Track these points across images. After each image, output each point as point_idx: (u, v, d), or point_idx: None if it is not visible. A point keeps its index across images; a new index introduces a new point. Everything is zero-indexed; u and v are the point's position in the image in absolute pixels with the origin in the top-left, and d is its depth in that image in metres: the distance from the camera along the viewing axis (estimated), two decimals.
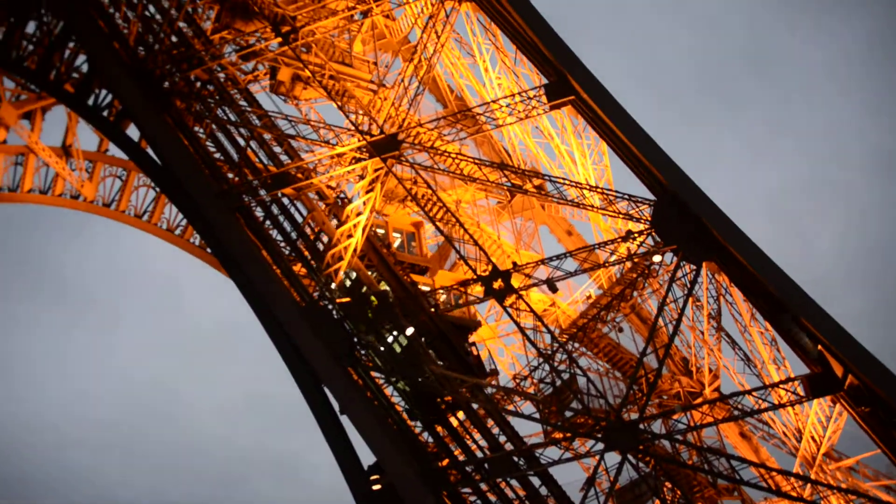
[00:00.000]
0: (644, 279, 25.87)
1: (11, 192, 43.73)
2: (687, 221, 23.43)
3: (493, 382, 25.39)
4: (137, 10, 29.77)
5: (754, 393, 23.20)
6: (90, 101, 29.63)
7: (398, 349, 24.58)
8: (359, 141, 25.47)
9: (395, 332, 24.52)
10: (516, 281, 24.16)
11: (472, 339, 26.39)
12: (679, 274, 23.59)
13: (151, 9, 30.23)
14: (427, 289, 26.47)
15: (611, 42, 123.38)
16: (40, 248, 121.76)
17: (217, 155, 27.94)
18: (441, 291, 26.79)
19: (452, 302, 26.82)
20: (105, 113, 29.99)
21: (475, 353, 25.90)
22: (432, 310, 25.43)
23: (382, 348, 24.37)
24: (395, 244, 28.06)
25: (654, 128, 24.69)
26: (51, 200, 43.83)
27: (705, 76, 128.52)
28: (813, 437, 27.77)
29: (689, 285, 23.49)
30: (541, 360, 23.72)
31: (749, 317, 26.59)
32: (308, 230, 27.41)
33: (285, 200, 27.71)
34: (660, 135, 24.51)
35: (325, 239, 27.31)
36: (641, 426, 22.03)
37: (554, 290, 24.78)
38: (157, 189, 40.39)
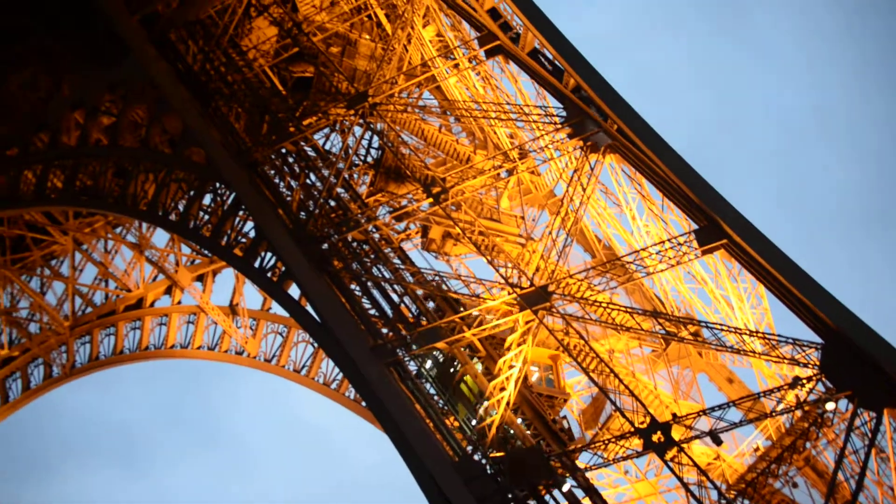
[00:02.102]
0: (817, 429, 24.07)
1: (184, 349, 46.93)
2: (861, 364, 21.89)
3: None
4: (300, 180, 32.16)
5: None
6: (256, 264, 31.62)
7: None
8: (509, 294, 25.78)
9: (550, 487, 23.75)
10: (677, 433, 23.06)
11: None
12: (857, 422, 21.81)
13: (312, 177, 32.63)
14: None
15: (754, 176, 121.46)
16: (199, 397, 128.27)
17: (372, 311, 28.95)
18: (533, 370, 26.40)
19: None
20: (269, 274, 31.90)
21: (566, 425, 25.77)
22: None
23: None
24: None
25: (809, 261, 23.79)
26: (218, 356, 46.63)
27: (855, 201, 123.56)
28: None
29: (869, 435, 21.63)
30: None
31: None
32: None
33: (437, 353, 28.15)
34: (817, 268, 23.53)
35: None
36: None
37: (718, 442, 23.43)
38: (315, 345, 42.06)
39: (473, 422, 26.18)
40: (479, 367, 27.43)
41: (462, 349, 27.23)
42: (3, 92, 38.04)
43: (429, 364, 26.98)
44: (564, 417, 26.89)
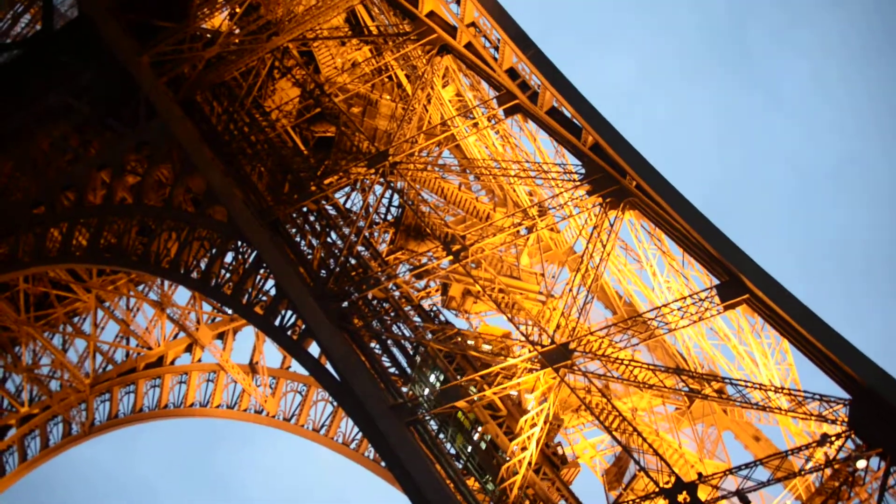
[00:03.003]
0: (849, 488, 23.43)
1: (203, 407, 46.84)
2: (891, 420, 21.43)
3: None
4: (321, 238, 32.40)
5: None
6: (276, 322, 31.70)
7: None
8: (530, 352, 25.61)
9: None
10: (703, 493, 22.57)
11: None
12: (890, 482, 21.27)
13: (333, 235, 32.86)
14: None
15: (777, 230, 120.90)
16: (214, 454, 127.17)
17: (392, 369, 28.81)
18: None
19: None
20: (289, 332, 31.92)
21: (560, 450, 25.98)
22: None
23: None
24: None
25: (835, 315, 23.52)
26: (237, 415, 46.46)
27: (882, 254, 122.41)
28: None
29: None
30: None
31: None
32: (481, 444, 27.22)
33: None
34: (843, 323, 23.24)
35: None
36: None
37: (746, 502, 22.87)
38: (335, 403, 41.85)
39: (469, 448, 26.05)
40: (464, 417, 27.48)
41: (482, 408, 26.94)
42: (33, 150, 38.86)
43: (426, 392, 26.95)
44: (559, 444, 27.13)
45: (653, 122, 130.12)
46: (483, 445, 26.07)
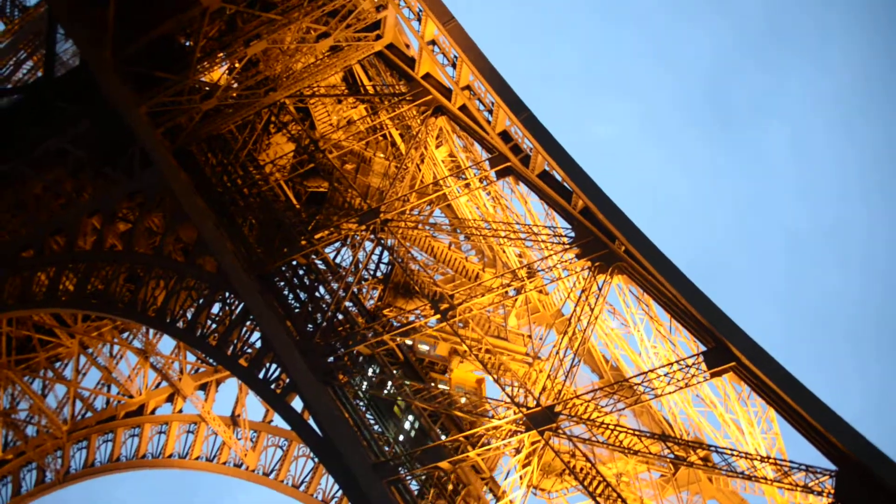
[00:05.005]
0: None
1: (182, 459, 46.12)
2: (877, 493, 21.37)
3: None
4: (309, 292, 32.38)
5: None
6: (260, 375, 31.43)
7: None
8: (515, 413, 25.47)
9: None
10: None
11: None
12: None
13: (321, 290, 32.86)
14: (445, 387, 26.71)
15: (764, 295, 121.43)
16: None
17: (376, 427, 28.56)
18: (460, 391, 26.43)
19: None
20: (273, 385, 31.63)
21: None
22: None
23: None
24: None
25: (821, 384, 23.54)
26: (216, 468, 45.77)
27: (870, 322, 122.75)
28: None
29: None
30: None
31: None
32: None
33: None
34: (830, 392, 23.25)
35: None
36: None
37: None
38: (316, 459, 41.33)
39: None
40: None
41: (465, 469, 26.70)
42: (25, 194, 38.87)
43: (365, 386, 26.88)
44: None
45: (640, 184, 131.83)
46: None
